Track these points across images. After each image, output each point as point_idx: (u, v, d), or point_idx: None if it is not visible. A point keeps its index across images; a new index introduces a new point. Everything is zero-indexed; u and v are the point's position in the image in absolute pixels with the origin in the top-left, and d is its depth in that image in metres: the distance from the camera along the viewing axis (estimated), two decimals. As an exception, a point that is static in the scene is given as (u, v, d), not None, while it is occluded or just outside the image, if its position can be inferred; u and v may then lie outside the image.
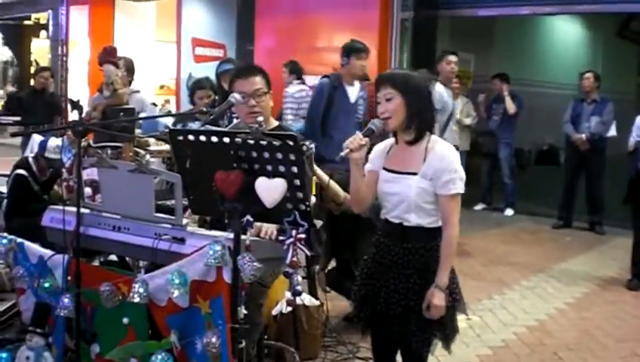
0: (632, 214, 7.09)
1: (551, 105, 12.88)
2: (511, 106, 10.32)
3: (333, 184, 4.11)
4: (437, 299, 3.18)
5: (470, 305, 5.86)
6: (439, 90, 7.66)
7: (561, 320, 5.93)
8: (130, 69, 7.67)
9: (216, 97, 6.28)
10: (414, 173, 3.23)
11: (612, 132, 9.34)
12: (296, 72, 9.58)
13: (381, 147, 3.43)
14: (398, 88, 3.23)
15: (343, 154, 3.16)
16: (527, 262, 7.82)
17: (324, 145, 5.47)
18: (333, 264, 5.60)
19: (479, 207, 10.88)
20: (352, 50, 6.22)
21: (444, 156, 3.23)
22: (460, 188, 3.22)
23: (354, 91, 6.28)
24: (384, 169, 3.35)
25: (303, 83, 9.59)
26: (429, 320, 3.22)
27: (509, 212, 10.62)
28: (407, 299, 3.25)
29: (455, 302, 3.32)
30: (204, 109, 5.66)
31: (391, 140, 3.41)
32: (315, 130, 5.97)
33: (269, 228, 3.44)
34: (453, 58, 8.08)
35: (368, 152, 3.34)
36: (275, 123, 4.01)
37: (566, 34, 16.53)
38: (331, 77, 6.20)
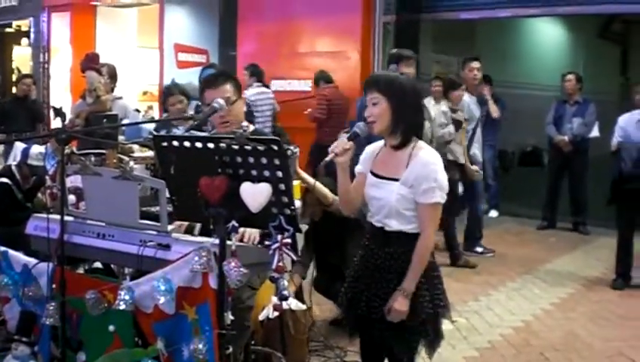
0: (616, 214, 7.13)
1: (534, 106, 12.92)
2: (494, 110, 10.34)
3: (319, 186, 4.10)
4: (398, 303, 3.18)
5: (456, 306, 5.90)
6: (465, 99, 7.66)
7: (546, 321, 5.95)
8: (112, 75, 7.65)
9: (190, 102, 6.28)
10: (396, 179, 3.23)
11: (595, 133, 9.39)
12: (257, 74, 9.70)
13: (371, 149, 3.43)
14: (383, 92, 3.23)
15: (328, 158, 3.17)
16: (512, 264, 7.84)
17: None
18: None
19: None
20: None
21: (426, 164, 3.20)
22: (438, 197, 3.19)
23: None
24: (371, 172, 3.36)
25: (265, 86, 9.68)
26: (410, 326, 3.22)
27: (494, 213, 10.64)
28: (386, 303, 3.25)
29: (439, 309, 3.30)
30: (188, 115, 5.65)
31: (381, 142, 3.41)
32: None
33: (252, 233, 3.44)
34: (475, 64, 8.08)
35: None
36: (251, 127, 4.00)
37: (548, 36, 16.62)
38: None
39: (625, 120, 6.97)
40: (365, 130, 3.25)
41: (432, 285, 3.30)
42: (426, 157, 3.22)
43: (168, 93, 6.23)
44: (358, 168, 3.43)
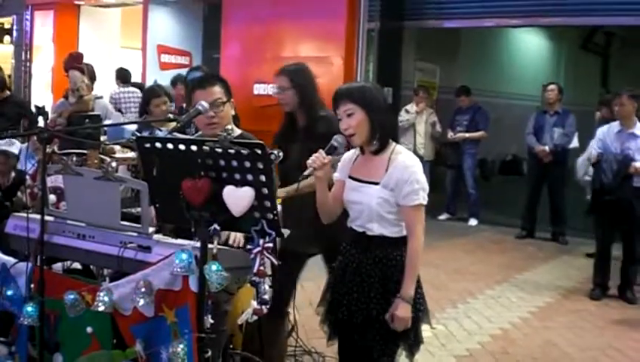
0: (594, 225, 7.19)
1: (515, 116, 13.03)
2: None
3: (303, 183, 4.09)
4: (401, 310, 3.18)
5: (435, 314, 5.90)
6: None
7: (524, 329, 5.99)
8: (91, 75, 7.64)
9: (172, 104, 6.24)
10: (376, 183, 3.25)
11: (574, 143, 9.47)
12: (121, 77, 10.95)
13: (348, 155, 3.44)
14: (357, 102, 3.23)
15: (306, 173, 3.17)
16: (491, 272, 7.88)
17: None
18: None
19: (443, 216, 10.94)
20: None
21: (406, 167, 3.23)
22: (422, 199, 3.22)
23: None
24: (349, 177, 3.37)
25: (136, 86, 10.67)
26: (392, 330, 3.23)
27: (473, 222, 10.70)
28: (369, 308, 3.25)
29: (419, 313, 3.31)
30: (172, 117, 5.63)
31: (357, 149, 3.41)
32: None
33: (237, 236, 3.43)
34: None
35: None
36: (238, 131, 3.99)
37: (530, 46, 16.74)
38: None
39: (604, 132, 7.02)
40: (343, 142, 3.26)
41: (415, 290, 3.30)
42: (405, 161, 3.25)
43: (152, 94, 6.17)
44: (335, 175, 3.44)
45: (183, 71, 11.22)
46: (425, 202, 3.24)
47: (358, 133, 3.24)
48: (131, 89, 10.95)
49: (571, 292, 7.23)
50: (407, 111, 10.69)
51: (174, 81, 8.78)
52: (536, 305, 6.69)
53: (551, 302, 6.86)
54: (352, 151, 3.44)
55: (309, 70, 4.53)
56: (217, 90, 3.83)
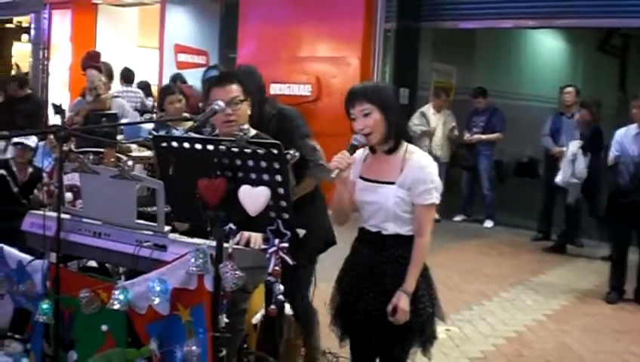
0: (612, 228, 7.14)
1: (531, 117, 12.96)
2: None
3: (300, 187, 4.07)
4: (403, 302, 3.20)
5: (449, 315, 5.89)
6: None
7: (539, 332, 5.96)
8: (109, 74, 7.67)
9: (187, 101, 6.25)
10: (392, 183, 3.25)
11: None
12: (125, 77, 11.06)
13: (358, 155, 3.41)
14: (374, 102, 3.23)
15: (334, 175, 3.15)
16: (506, 274, 7.85)
17: None
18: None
19: (459, 218, 10.90)
20: None
21: (422, 167, 3.25)
22: (435, 198, 3.25)
23: None
24: (361, 177, 3.36)
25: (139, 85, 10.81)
26: (408, 327, 3.23)
27: (489, 223, 10.65)
28: (385, 306, 3.25)
29: (433, 308, 3.34)
30: (188, 116, 5.63)
31: (366, 148, 3.40)
32: None
33: (258, 239, 3.41)
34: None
35: None
36: (253, 132, 3.98)
37: (547, 48, 16.65)
38: None
39: (621, 134, 6.99)
40: (363, 141, 3.25)
41: (429, 285, 3.35)
42: (421, 161, 3.27)
43: (167, 91, 6.18)
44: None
45: (200, 70, 11.23)
46: (438, 201, 3.27)
47: (375, 132, 3.24)
48: (133, 89, 11.03)
49: (587, 295, 7.19)
50: (422, 114, 10.60)
51: (174, 79, 8.82)
52: (552, 308, 6.66)
53: (566, 305, 6.83)
54: (361, 150, 3.43)
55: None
56: (235, 88, 3.82)
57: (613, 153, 6.99)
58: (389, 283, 3.27)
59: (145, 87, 12.12)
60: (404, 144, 3.32)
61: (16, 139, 6.06)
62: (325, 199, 4.44)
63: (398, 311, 3.20)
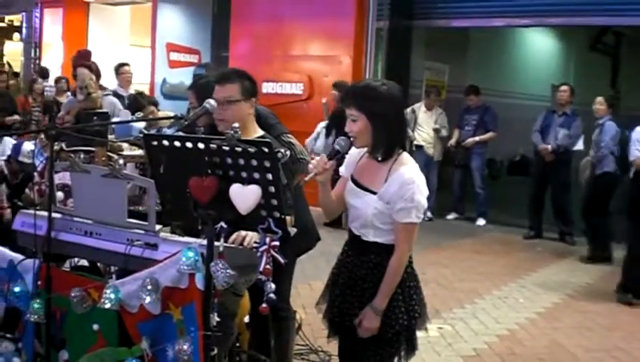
0: (631, 230, 7.05)
1: (523, 116, 12.98)
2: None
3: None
4: (367, 320, 3.16)
5: (442, 314, 5.91)
6: None
7: (531, 330, 5.97)
8: (97, 73, 7.64)
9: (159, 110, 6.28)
10: (374, 192, 3.18)
11: (579, 146, 9.44)
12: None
13: (355, 152, 3.34)
14: (361, 110, 3.13)
15: (307, 178, 3.14)
16: (498, 272, 7.86)
17: None
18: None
19: (451, 216, 10.90)
20: None
21: (404, 182, 3.11)
22: (414, 218, 3.12)
23: None
24: (351, 178, 3.32)
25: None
26: (378, 337, 3.19)
27: (481, 222, 10.67)
28: (360, 312, 3.22)
29: (413, 320, 3.25)
30: (179, 115, 5.63)
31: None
32: None
33: (254, 237, 3.40)
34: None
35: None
36: (260, 132, 3.91)
37: (539, 46, 16.70)
38: None
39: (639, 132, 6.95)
40: (346, 146, 3.19)
41: (408, 296, 3.24)
42: (404, 175, 3.13)
43: (137, 107, 6.18)
44: (341, 170, 3.39)
45: (191, 69, 11.25)
46: (418, 221, 3.14)
47: (359, 138, 3.16)
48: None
49: (579, 293, 7.21)
50: (412, 111, 10.62)
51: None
52: (544, 306, 6.67)
53: (558, 302, 6.84)
54: (359, 149, 3.39)
55: None
56: (231, 88, 3.80)
57: (638, 151, 6.87)
58: (367, 289, 3.22)
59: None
60: (398, 152, 3.20)
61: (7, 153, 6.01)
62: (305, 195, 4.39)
63: (362, 328, 3.17)
